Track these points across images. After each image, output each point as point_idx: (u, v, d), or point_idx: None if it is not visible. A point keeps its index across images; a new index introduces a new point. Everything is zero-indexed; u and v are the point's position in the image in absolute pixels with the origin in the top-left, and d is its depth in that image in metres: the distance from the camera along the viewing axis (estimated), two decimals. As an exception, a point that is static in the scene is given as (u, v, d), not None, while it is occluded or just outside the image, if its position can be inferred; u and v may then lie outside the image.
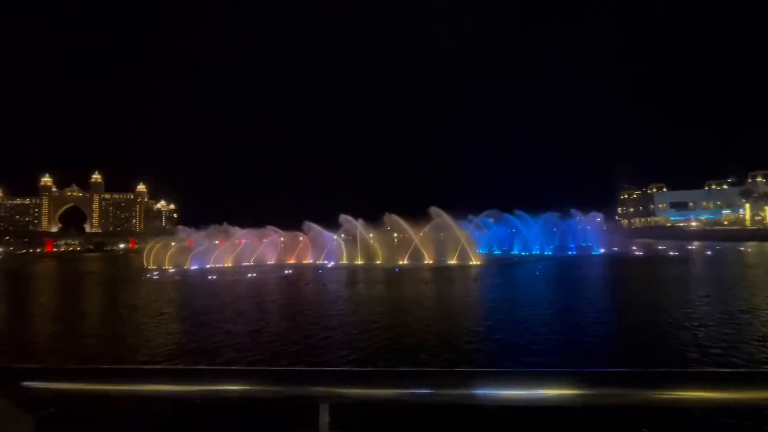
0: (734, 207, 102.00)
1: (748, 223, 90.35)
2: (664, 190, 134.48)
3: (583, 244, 50.84)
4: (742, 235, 75.11)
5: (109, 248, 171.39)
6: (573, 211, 53.71)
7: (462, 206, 47.54)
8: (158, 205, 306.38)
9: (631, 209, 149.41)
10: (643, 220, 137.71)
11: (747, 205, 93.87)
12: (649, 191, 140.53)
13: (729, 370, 1.03)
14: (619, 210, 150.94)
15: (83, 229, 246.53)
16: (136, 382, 1.22)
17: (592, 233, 51.94)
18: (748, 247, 49.69)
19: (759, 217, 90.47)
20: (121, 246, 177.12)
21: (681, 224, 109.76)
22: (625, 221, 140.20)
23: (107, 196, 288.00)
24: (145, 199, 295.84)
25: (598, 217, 56.82)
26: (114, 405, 5.59)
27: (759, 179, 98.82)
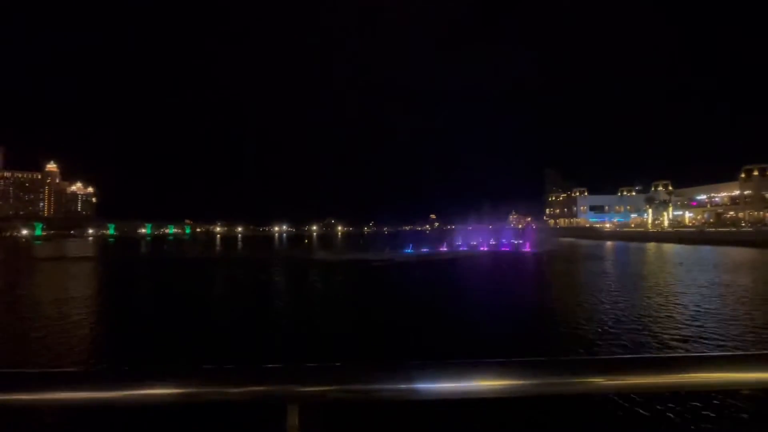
0: (640, 211, 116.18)
1: (650, 226, 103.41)
2: (586, 194, 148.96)
3: (515, 242, 54.88)
4: (645, 236, 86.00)
5: (8, 234, 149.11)
6: (508, 211, 58.09)
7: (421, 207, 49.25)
8: (73, 188, 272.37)
9: (557, 210, 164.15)
10: (567, 220, 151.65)
11: (650, 210, 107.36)
12: (572, 195, 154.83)
13: (660, 355, 0.84)
14: (547, 211, 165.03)
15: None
16: (42, 390, 0.97)
17: (526, 232, 56.19)
18: (649, 247, 57.18)
19: (658, 221, 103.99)
20: (24, 232, 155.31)
21: (597, 225, 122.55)
22: (552, 221, 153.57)
23: (7, 174, 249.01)
24: (57, 180, 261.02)
25: (529, 218, 61.57)
26: (8, 419, 4.22)
27: (660, 188, 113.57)
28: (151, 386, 0.98)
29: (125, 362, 9.76)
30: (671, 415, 6.41)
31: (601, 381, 1.01)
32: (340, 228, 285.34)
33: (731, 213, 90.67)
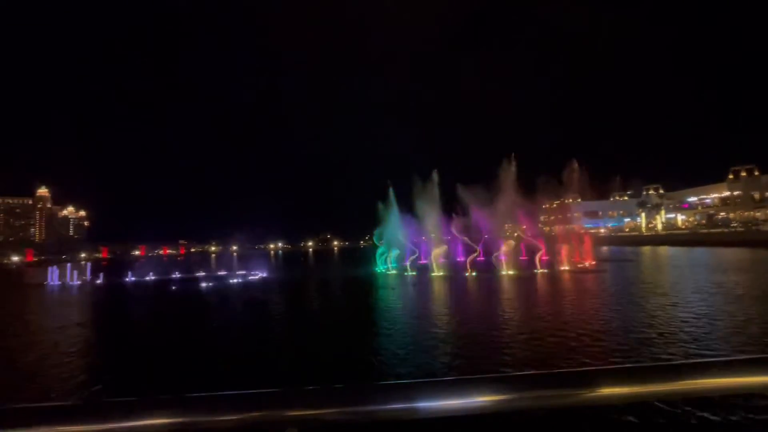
0: (633, 216, 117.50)
1: (644, 229, 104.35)
2: (579, 200, 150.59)
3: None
4: (640, 240, 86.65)
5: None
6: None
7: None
8: (64, 212, 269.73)
9: (552, 218, 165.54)
10: (561, 227, 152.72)
11: (643, 214, 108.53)
12: (566, 202, 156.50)
13: (649, 364, 1.03)
14: (542, 218, 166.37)
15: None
16: (26, 424, 0.93)
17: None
18: (645, 251, 57.55)
19: (651, 225, 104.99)
20: (15, 258, 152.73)
21: (592, 231, 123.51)
22: (547, 228, 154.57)
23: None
24: (48, 205, 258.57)
25: (524, 226, 61.82)
26: None
27: (651, 192, 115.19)
28: (142, 417, 0.95)
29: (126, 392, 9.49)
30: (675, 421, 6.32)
31: (600, 392, 1.00)
32: (336, 243, 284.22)
33: (722, 214, 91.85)
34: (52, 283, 36.90)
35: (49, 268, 38.10)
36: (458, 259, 44.96)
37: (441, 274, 34.23)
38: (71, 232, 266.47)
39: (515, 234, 55.13)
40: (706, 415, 6.38)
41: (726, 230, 71.39)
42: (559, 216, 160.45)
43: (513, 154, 43.02)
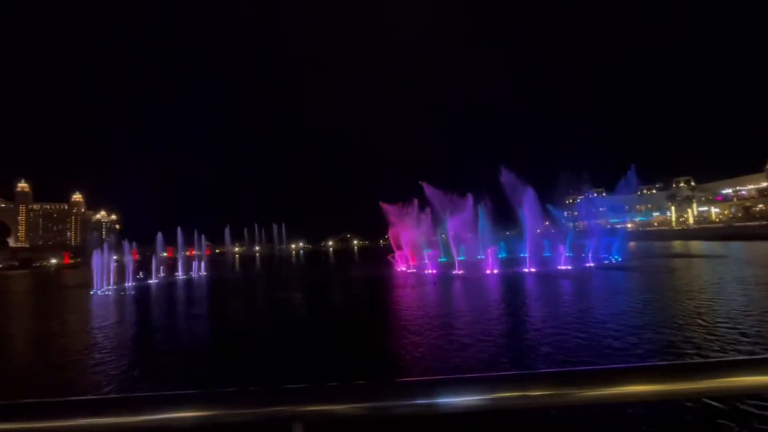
0: (662, 210, 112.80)
1: (674, 224, 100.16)
2: (604, 194, 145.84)
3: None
4: (670, 234, 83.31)
5: (38, 264, 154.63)
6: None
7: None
8: (97, 216, 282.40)
9: (575, 212, 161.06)
10: (586, 222, 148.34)
11: (673, 208, 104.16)
12: (591, 196, 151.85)
13: (665, 363, 0.94)
14: (565, 213, 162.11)
15: (6, 243, 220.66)
16: (63, 417, 0.98)
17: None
18: (676, 246, 55.28)
19: (683, 219, 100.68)
20: (53, 261, 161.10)
21: (618, 225, 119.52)
22: (571, 224, 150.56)
23: (36, 207, 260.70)
24: (82, 210, 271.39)
25: (547, 221, 60.50)
26: None
27: (682, 184, 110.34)
28: (168, 411, 0.99)
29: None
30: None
31: (620, 390, 1.00)
32: (355, 242, 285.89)
33: (760, 206, 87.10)
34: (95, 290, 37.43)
35: (94, 272, 38.23)
36: (478, 257, 44.45)
37: (461, 272, 33.92)
38: (104, 235, 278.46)
39: (537, 230, 53.96)
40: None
41: (765, 222, 67.66)
42: (584, 211, 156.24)
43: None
